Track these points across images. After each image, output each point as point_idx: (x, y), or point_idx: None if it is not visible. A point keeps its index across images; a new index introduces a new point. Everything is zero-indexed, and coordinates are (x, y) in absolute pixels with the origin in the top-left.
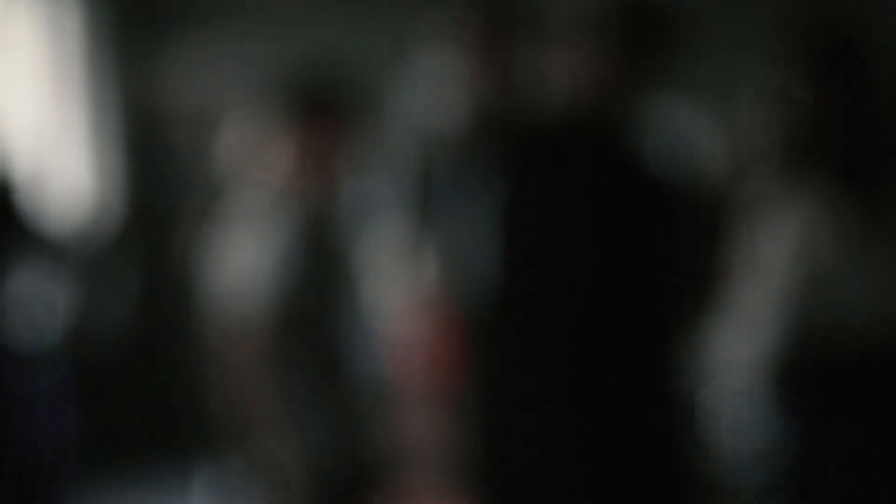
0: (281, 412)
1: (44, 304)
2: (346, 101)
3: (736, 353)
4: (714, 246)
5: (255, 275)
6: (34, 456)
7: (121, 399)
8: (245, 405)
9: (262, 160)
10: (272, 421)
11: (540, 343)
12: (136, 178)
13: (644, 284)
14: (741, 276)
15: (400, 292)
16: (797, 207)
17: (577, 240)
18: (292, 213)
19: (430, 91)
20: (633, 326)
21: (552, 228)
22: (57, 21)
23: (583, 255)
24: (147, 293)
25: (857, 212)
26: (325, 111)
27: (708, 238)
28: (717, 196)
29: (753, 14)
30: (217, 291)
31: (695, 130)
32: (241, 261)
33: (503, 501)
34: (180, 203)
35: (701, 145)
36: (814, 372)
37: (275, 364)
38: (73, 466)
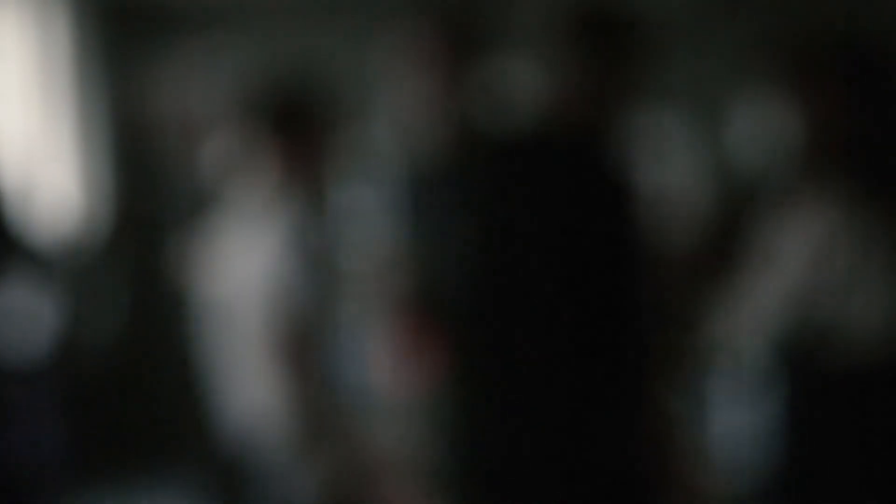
0: (300, 417)
1: (32, 315)
2: (330, 109)
3: (738, 356)
4: (721, 248)
5: (248, 283)
6: (23, 469)
7: (111, 410)
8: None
9: (248, 169)
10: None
11: (519, 352)
12: (125, 187)
13: (619, 293)
14: (751, 275)
15: (382, 301)
16: (814, 211)
17: (555, 251)
18: (280, 220)
19: (406, 102)
20: (610, 334)
21: (529, 239)
22: (45, 31)
23: (560, 266)
24: (136, 303)
25: (875, 217)
26: (308, 120)
27: (715, 240)
28: (727, 201)
29: (761, 22)
30: (208, 302)
31: (682, 140)
32: (232, 270)
33: None
34: (169, 213)
35: (688, 154)
36: (819, 376)
37: (290, 371)
38: (63, 479)
